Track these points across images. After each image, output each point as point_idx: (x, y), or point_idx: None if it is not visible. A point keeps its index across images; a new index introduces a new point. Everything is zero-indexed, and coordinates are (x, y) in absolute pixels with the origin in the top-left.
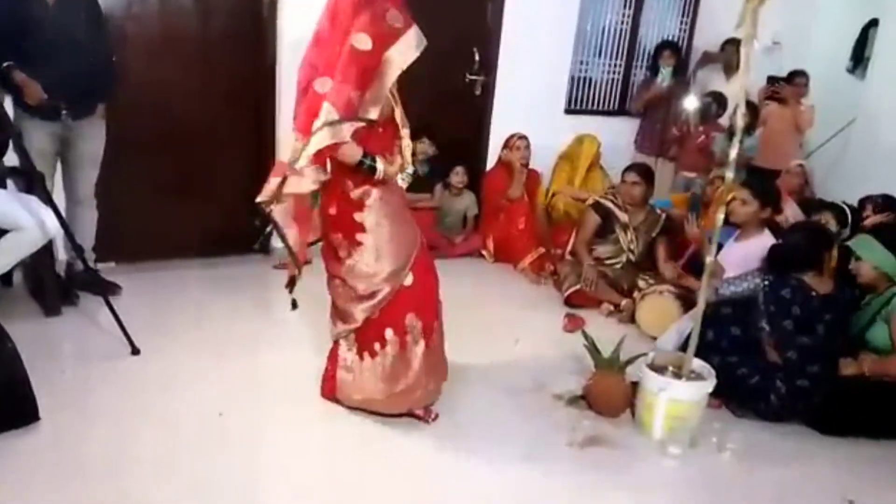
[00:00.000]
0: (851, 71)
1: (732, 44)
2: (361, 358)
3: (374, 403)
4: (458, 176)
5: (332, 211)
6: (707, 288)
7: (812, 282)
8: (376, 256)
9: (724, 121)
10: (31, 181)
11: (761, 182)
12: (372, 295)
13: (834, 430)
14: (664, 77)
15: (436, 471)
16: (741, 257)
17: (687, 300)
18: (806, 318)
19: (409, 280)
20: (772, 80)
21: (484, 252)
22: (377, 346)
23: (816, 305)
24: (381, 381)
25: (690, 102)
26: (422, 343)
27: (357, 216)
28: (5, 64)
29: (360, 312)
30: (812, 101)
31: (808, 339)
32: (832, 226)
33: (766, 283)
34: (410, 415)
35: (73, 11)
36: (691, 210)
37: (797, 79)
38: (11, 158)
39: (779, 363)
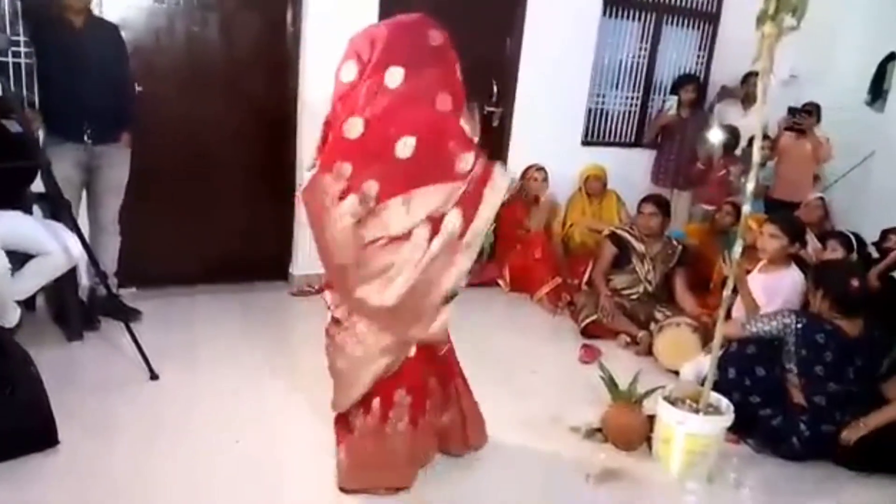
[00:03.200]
0: (870, 104)
1: (754, 76)
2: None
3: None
4: None
5: None
6: (728, 324)
7: (843, 324)
8: None
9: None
10: (58, 208)
11: (787, 216)
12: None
13: (863, 468)
14: (671, 106)
15: None
16: (767, 290)
17: (705, 333)
18: (836, 364)
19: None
20: (792, 111)
21: (500, 281)
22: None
23: (848, 350)
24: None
25: (714, 135)
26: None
27: None
28: None
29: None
30: (824, 132)
31: (838, 386)
32: (840, 253)
33: (800, 325)
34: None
35: (99, 39)
36: (724, 249)
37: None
38: (38, 185)
39: (804, 406)
